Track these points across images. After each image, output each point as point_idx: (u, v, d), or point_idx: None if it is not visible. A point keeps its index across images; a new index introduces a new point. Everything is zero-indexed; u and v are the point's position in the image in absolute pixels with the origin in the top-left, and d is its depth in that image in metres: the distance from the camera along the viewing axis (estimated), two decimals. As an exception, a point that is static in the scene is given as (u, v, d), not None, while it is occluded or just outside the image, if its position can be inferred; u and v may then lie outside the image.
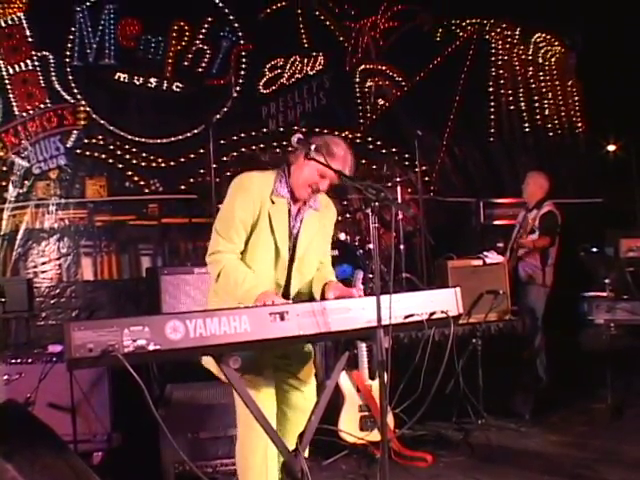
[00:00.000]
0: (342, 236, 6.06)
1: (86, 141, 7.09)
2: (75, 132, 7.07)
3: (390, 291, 2.70)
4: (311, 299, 3.12)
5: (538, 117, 8.91)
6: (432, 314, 2.84)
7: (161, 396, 4.22)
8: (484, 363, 5.03)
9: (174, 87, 7.42)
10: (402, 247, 6.43)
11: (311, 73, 7.99)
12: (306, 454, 2.83)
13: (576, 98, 9.10)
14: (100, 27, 7.23)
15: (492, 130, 8.64)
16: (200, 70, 7.58)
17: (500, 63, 8.79)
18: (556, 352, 6.03)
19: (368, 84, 8.25)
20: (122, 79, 7.26)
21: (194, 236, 7.13)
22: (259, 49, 7.69)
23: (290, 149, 3.09)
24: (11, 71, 6.95)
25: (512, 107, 8.78)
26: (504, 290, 5.52)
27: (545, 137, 8.91)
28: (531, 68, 8.95)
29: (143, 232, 7.22)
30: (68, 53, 7.12)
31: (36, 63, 7.02)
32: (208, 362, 2.85)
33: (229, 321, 2.42)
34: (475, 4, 8.33)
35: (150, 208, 7.24)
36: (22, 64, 6.99)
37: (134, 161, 7.23)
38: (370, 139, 8.08)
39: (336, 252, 5.02)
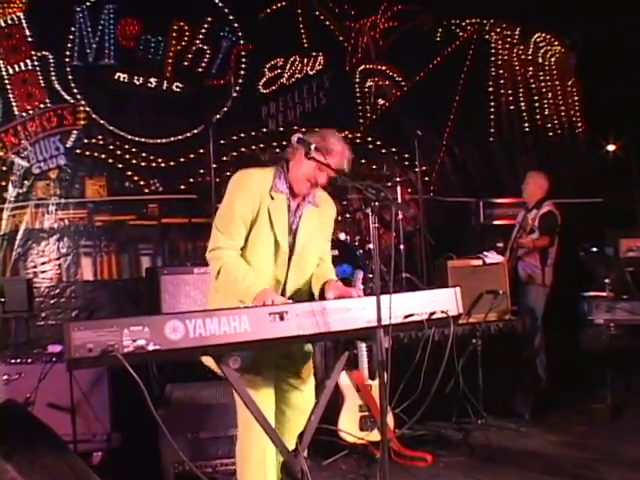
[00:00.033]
0: (342, 236, 6.06)
1: (86, 141, 7.09)
2: (75, 132, 7.08)
3: (390, 291, 2.70)
4: (310, 296, 3.12)
5: (538, 117, 8.91)
6: (432, 314, 2.84)
7: (161, 396, 4.22)
8: (484, 363, 5.03)
9: (174, 87, 7.42)
10: (402, 247, 6.42)
11: (311, 73, 7.99)
12: (304, 454, 2.83)
13: (576, 98, 9.10)
14: (100, 27, 7.23)
15: (492, 130, 8.64)
16: (200, 70, 7.58)
17: (500, 63, 8.79)
18: (556, 352, 6.03)
19: (368, 84, 8.25)
20: (122, 79, 7.26)
21: (194, 236, 7.13)
22: (259, 49, 7.69)
23: (288, 146, 3.09)
24: (11, 71, 6.96)
25: (512, 107, 8.78)
26: (504, 290, 5.52)
27: (545, 137, 8.91)
28: (531, 68, 8.95)
29: (143, 232, 7.22)
30: (68, 53, 7.13)
31: (36, 63, 7.03)
32: (208, 359, 2.85)
33: (229, 321, 2.42)
34: (475, 4, 8.33)
35: (150, 208, 7.24)
36: (22, 64, 6.99)
37: (134, 161, 7.23)
38: (370, 139, 8.08)
39: (336, 252, 5.02)
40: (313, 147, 2.92)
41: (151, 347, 2.28)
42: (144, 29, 7.35)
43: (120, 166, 7.19)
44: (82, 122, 7.09)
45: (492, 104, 8.67)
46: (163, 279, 5.07)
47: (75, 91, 7.10)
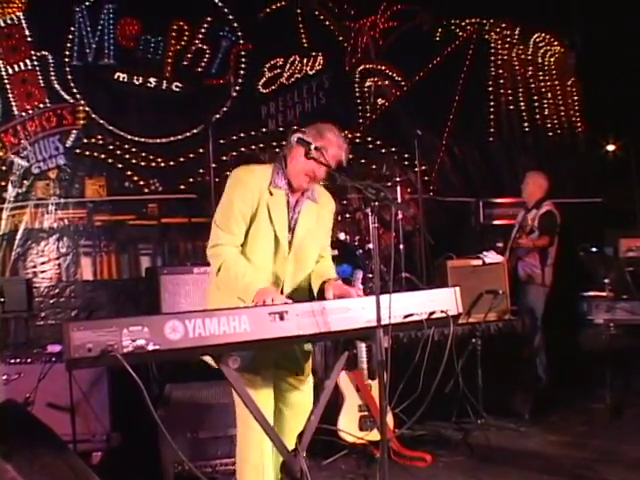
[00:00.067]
0: (342, 236, 6.06)
1: (85, 141, 7.10)
2: (74, 132, 7.08)
3: (390, 291, 2.70)
4: (310, 293, 3.12)
5: (537, 117, 8.91)
6: (432, 314, 2.84)
7: (160, 396, 4.21)
8: (483, 363, 5.03)
9: (173, 87, 7.42)
10: (402, 247, 6.42)
11: (311, 73, 8.00)
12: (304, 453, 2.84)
13: (575, 98, 9.10)
14: (99, 27, 7.24)
15: (491, 130, 8.64)
16: (199, 70, 7.58)
17: (500, 63, 8.80)
18: (555, 352, 6.03)
19: (367, 84, 8.25)
20: (121, 79, 7.26)
21: (194, 236, 7.13)
22: (258, 49, 7.70)
23: (286, 145, 3.10)
24: (10, 71, 6.95)
25: (511, 107, 8.78)
26: (503, 290, 5.52)
27: (544, 137, 8.91)
28: (530, 68, 8.95)
29: (142, 232, 7.22)
30: (67, 53, 7.13)
31: (35, 63, 7.03)
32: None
33: (228, 321, 2.42)
34: (474, 4, 8.33)
35: (149, 208, 7.24)
36: (21, 64, 6.99)
37: (133, 161, 7.23)
38: (370, 139, 8.09)
39: (336, 252, 5.01)
40: (313, 147, 2.93)
41: (150, 347, 2.28)
42: (144, 29, 7.36)
43: (120, 166, 7.19)
44: (82, 122, 7.10)
45: (492, 104, 8.67)
46: (163, 279, 5.07)
47: (75, 91, 7.10)
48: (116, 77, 7.24)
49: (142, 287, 6.36)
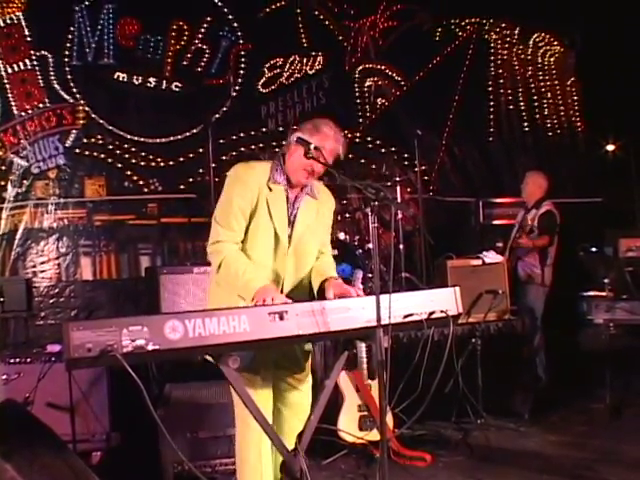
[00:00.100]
0: (341, 236, 6.06)
1: (85, 141, 7.09)
2: (74, 132, 7.08)
3: (389, 291, 2.70)
4: (310, 291, 3.12)
5: (537, 117, 8.91)
6: (431, 314, 2.84)
7: (160, 396, 4.21)
8: (483, 363, 5.03)
9: (173, 87, 7.42)
10: (401, 247, 6.42)
11: (310, 73, 8.00)
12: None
13: (575, 98, 9.10)
14: (99, 26, 7.23)
15: (491, 130, 8.64)
16: (199, 70, 7.58)
17: (499, 63, 8.79)
18: (555, 352, 6.03)
19: (367, 84, 8.25)
20: (121, 79, 7.26)
21: (193, 236, 7.13)
22: (258, 49, 7.70)
23: (285, 143, 3.10)
24: (10, 70, 6.95)
25: (511, 107, 8.78)
26: (503, 290, 5.51)
27: (544, 137, 8.91)
28: (530, 68, 8.95)
29: (142, 232, 7.22)
30: (67, 52, 7.13)
31: (35, 62, 7.02)
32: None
33: (228, 321, 2.42)
34: (474, 4, 8.33)
35: (149, 208, 7.24)
36: (21, 63, 6.99)
37: (133, 161, 7.23)
38: (369, 138, 8.09)
39: (335, 252, 5.01)
40: (312, 147, 2.93)
41: (150, 347, 2.28)
42: (143, 29, 7.35)
43: (119, 166, 7.19)
44: (81, 122, 7.09)
45: (491, 104, 8.67)
46: (162, 279, 5.07)
47: (74, 91, 7.10)
48: (116, 77, 7.23)
49: (142, 287, 6.36)
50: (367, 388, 4.42)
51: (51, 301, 6.66)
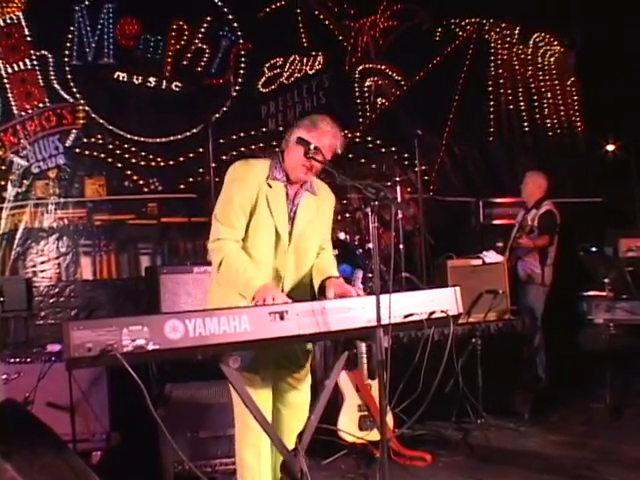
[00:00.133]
0: (342, 235, 6.05)
1: (85, 140, 7.09)
2: (74, 131, 7.07)
3: (390, 290, 2.69)
4: (311, 290, 3.12)
5: (537, 117, 8.91)
6: (432, 313, 2.84)
7: (160, 395, 4.21)
8: (483, 363, 5.03)
9: (173, 86, 7.42)
10: (402, 246, 6.42)
11: (310, 72, 8.00)
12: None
13: (575, 98, 9.10)
14: (99, 26, 7.23)
15: (491, 129, 8.64)
16: (199, 69, 7.58)
17: (499, 63, 8.79)
18: (555, 351, 6.02)
19: (367, 83, 8.25)
20: (121, 78, 7.25)
21: (193, 235, 7.13)
22: (258, 48, 7.69)
23: (283, 141, 3.10)
24: (10, 70, 6.95)
25: (511, 107, 8.78)
26: (503, 290, 5.51)
27: (544, 137, 8.91)
28: (530, 68, 8.95)
29: (142, 231, 7.22)
30: (67, 52, 7.12)
31: (35, 62, 7.02)
32: None
33: (229, 320, 2.42)
34: (474, 3, 8.33)
35: (149, 207, 7.24)
36: (21, 63, 6.98)
37: (133, 160, 7.23)
38: (370, 138, 8.09)
39: (336, 251, 5.00)
40: (312, 147, 2.93)
41: (150, 347, 2.28)
42: (143, 28, 7.35)
43: (119, 165, 7.19)
44: (81, 121, 7.09)
45: (492, 104, 8.67)
46: (162, 278, 5.07)
47: (74, 90, 7.10)
48: (116, 77, 7.23)
49: (142, 286, 6.36)
50: (367, 388, 4.42)
51: (51, 301, 6.66)
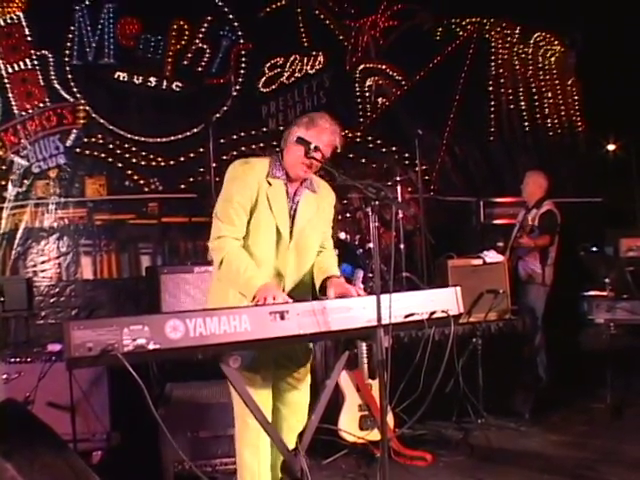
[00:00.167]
0: (342, 235, 6.05)
1: (85, 140, 7.09)
2: (74, 131, 7.07)
3: (390, 290, 2.69)
4: (312, 289, 3.12)
5: (538, 116, 8.91)
6: (432, 313, 2.84)
7: (161, 395, 4.21)
8: (484, 362, 5.02)
9: (174, 86, 7.42)
10: (402, 246, 6.42)
11: (311, 72, 8.00)
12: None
13: (576, 97, 9.10)
14: (99, 26, 7.23)
15: (492, 129, 8.64)
16: (200, 69, 7.58)
17: (500, 62, 8.79)
18: (556, 351, 6.02)
19: (368, 83, 8.25)
20: (121, 78, 7.26)
21: (194, 235, 7.13)
22: (259, 48, 7.70)
23: (282, 139, 3.10)
24: (10, 70, 6.95)
25: (512, 106, 8.78)
26: (504, 289, 5.51)
27: (545, 136, 8.91)
28: (531, 67, 8.96)
29: (143, 231, 7.22)
30: (67, 52, 7.12)
31: (35, 62, 7.02)
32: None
33: (229, 320, 2.42)
34: (475, 3, 8.33)
35: (150, 207, 7.24)
36: (21, 63, 6.98)
37: (134, 160, 7.23)
38: (370, 138, 8.09)
39: (336, 251, 5.01)
40: (313, 146, 2.93)
41: (151, 346, 2.28)
42: (144, 28, 7.35)
43: (120, 165, 7.19)
44: (82, 121, 7.09)
45: (492, 103, 8.67)
46: (163, 278, 5.07)
47: (75, 90, 7.10)
48: (116, 76, 7.23)
49: (142, 286, 6.36)
50: (368, 388, 4.41)
51: (52, 300, 6.67)
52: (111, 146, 7.15)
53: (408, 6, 8.28)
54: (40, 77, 7.02)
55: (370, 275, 5.22)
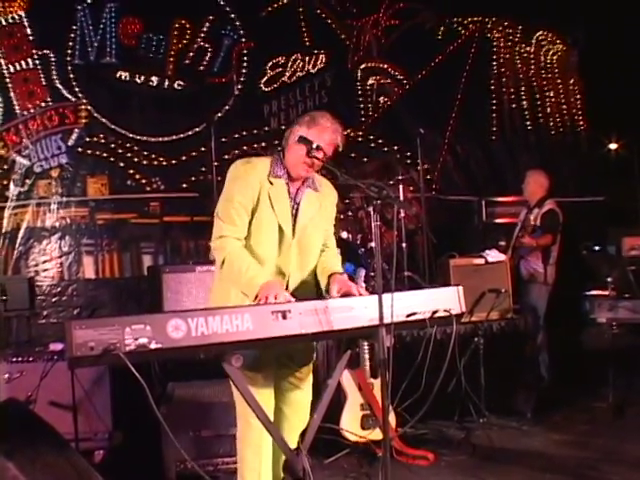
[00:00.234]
0: (344, 234, 6.04)
1: (87, 139, 7.09)
2: (76, 130, 7.07)
3: (392, 289, 2.69)
4: (315, 288, 3.12)
5: (540, 115, 8.90)
6: (434, 312, 2.84)
7: (163, 394, 4.21)
8: (486, 362, 5.02)
9: (175, 85, 7.42)
10: (404, 245, 6.41)
11: (313, 71, 7.99)
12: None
13: (578, 96, 9.08)
14: (101, 25, 7.23)
15: (494, 128, 8.63)
16: (201, 68, 7.57)
17: (502, 61, 8.78)
18: (558, 351, 6.02)
19: (370, 82, 8.24)
20: (123, 77, 7.25)
21: (196, 234, 7.13)
22: (260, 47, 7.69)
23: (284, 138, 3.10)
24: (12, 70, 6.95)
25: (514, 105, 8.77)
26: (506, 288, 5.51)
27: (547, 135, 8.89)
28: (533, 66, 8.94)
29: (145, 230, 7.22)
30: (69, 51, 7.12)
31: (37, 61, 7.02)
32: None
33: (231, 319, 2.42)
34: (477, 2, 8.33)
35: (152, 206, 7.24)
36: (23, 62, 6.99)
37: (135, 159, 7.23)
38: (372, 137, 8.08)
39: (338, 250, 5.01)
40: (315, 145, 2.93)
41: (153, 345, 2.28)
42: (145, 27, 7.35)
43: (122, 164, 7.19)
44: (83, 121, 7.09)
45: (494, 102, 8.66)
46: (165, 277, 5.07)
47: (76, 90, 7.10)
48: (118, 76, 7.23)
49: (144, 286, 6.36)
50: (369, 387, 4.41)
51: (53, 300, 6.67)
52: (113, 145, 7.15)
53: (410, 5, 8.27)
54: (42, 77, 7.02)
55: (372, 274, 5.22)
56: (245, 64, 7.71)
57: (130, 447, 4.36)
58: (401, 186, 6.53)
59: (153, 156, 7.28)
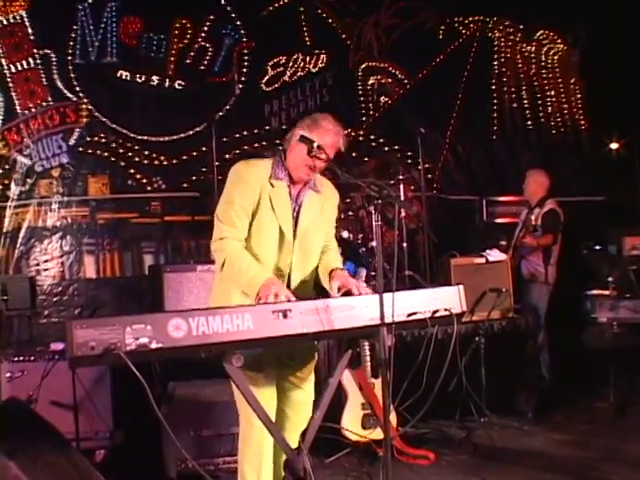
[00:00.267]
0: (345, 234, 6.04)
1: (88, 139, 7.09)
2: (77, 130, 7.08)
3: (393, 289, 2.69)
4: (316, 289, 3.12)
5: (541, 115, 8.89)
6: (435, 312, 2.84)
7: (164, 394, 4.21)
8: (487, 361, 5.03)
9: (176, 85, 7.42)
10: (405, 245, 6.41)
11: (314, 71, 7.99)
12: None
13: (579, 96, 9.07)
14: (102, 25, 7.23)
15: (495, 128, 8.62)
16: (202, 68, 7.57)
17: (503, 61, 8.77)
18: (559, 350, 6.01)
19: (371, 82, 8.24)
20: (124, 77, 7.26)
21: (197, 234, 7.13)
22: (261, 47, 7.69)
23: (285, 139, 3.10)
24: (13, 69, 6.95)
25: (515, 105, 8.76)
26: (507, 288, 5.51)
27: (548, 135, 8.88)
28: (534, 66, 8.93)
29: (146, 230, 7.22)
30: (70, 51, 7.12)
31: (38, 61, 7.02)
32: None
33: (232, 319, 2.41)
34: (478, 2, 8.31)
35: (153, 206, 7.24)
36: (24, 62, 6.99)
37: (136, 159, 7.23)
38: (373, 137, 8.08)
39: (339, 250, 5.02)
40: (316, 145, 2.92)
41: (154, 345, 2.28)
42: (146, 27, 7.35)
43: (123, 164, 7.19)
44: (84, 120, 7.09)
45: (495, 102, 8.65)
46: (166, 277, 5.07)
47: (77, 89, 7.10)
48: (119, 75, 7.23)
49: (145, 285, 6.36)
50: (370, 386, 4.41)
51: (55, 299, 6.67)
52: (114, 145, 7.15)
53: (411, 4, 8.26)
54: (43, 76, 7.02)
55: (373, 274, 5.21)
56: (246, 63, 7.71)
57: (131, 446, 4.36)
58: (402, 185, 6.53)
59: (154, 156, 7.28)
